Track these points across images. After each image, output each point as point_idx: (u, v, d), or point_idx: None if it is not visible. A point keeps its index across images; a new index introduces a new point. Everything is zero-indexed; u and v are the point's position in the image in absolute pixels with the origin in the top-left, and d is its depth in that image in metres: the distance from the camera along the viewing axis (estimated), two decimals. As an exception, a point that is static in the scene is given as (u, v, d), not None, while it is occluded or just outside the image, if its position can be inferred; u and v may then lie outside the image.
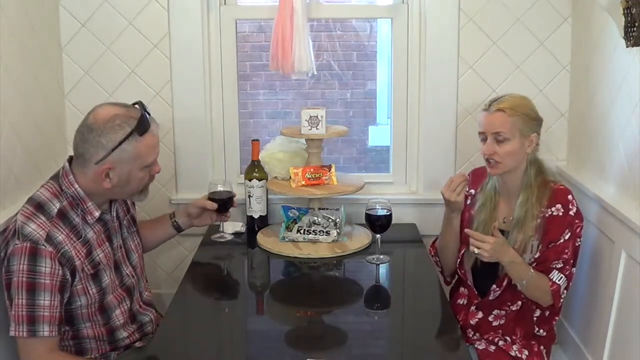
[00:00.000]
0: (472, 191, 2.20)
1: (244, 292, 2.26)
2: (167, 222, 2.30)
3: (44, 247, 1.71)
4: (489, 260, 1.95)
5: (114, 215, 1.96)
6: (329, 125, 2.41)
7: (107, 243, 1.91)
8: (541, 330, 2.09)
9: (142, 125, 1.80)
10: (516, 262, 1.96)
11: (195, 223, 2.32)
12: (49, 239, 1.73)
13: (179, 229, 2.31)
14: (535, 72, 2.57)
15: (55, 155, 2.43)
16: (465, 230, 2.04)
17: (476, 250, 1.94)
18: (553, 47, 2.55)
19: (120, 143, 1.77)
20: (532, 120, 2.03)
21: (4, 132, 2.01)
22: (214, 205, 2.26)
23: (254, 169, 2.49)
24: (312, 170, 2.38)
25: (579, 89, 2.51)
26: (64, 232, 1.77)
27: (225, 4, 2.62)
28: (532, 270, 1.97)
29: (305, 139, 2.42)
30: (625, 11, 1.91)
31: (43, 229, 1.74)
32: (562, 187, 2.06)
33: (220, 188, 2.33)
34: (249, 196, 2.50)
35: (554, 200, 2.01)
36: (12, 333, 1.71)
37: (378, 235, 2.22)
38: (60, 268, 1.74)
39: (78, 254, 1.79)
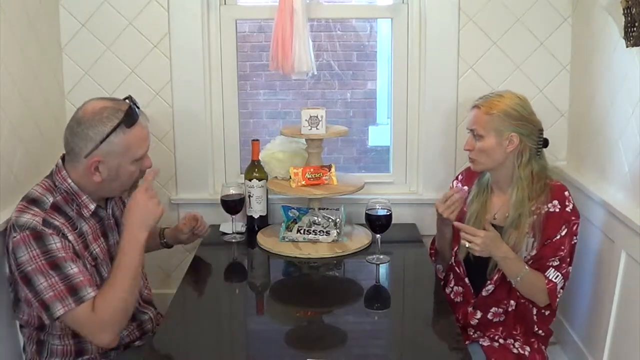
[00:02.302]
0: (466, 188, 2.21)
1: (244, 292, 2.26)
2: (157, 238, 2.30)
3: (44, 230, 1.71)
4: (480, 254, 1.96)
5: (110, 213, 1.95)
6: (329, 125, 2.41)
7: (102, 238, 1.91)
8: (540, 331, 2.09)
9: (130, 117, 1.80)
10: (509, 257, 1.96)
11: (185, 242, 2.36)
12: (46, 223, 1.73)
13: (167, 246, 2.34)
14: (535, 72, 2.57)
15: (55, 155, 2.41)
16: (455, 223, 2.05)
17: (467, 244, 1.95)
18: (553, 47, 2.55)
19: (108, 135, 1.77)
20: (512, 120, 2.00)
21: (4, 132, 2.01)
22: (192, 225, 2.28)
23: (254, 169, 2.50)
24: (312, 170, 2.38)
25: (579, 89, 2.51)
26: (59, 221, 1.76)
27: (225, 4, 2.62)
28: (526, 267, 1.97)
29: (305, 139, 2.42)
30: (625, 11, 1.91)
31: (38, 216, 1.73)
32: (558, 183, 2.06)
33: (232, 191, 2.42)
34: (249, 196, 2.50)
35: (550, 197, 2.02)
36: (60, 312, 1.69)
37: (378, 235, 2.22)
38: (67, 241, 1.74)
39: (76, 241, 1.79)
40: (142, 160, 1.88)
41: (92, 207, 1.86)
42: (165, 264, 2.75)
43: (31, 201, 1.78)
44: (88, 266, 1.81)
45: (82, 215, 1.84)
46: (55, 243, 1.71)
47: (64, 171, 1.83)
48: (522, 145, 2.02)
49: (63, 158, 1.87)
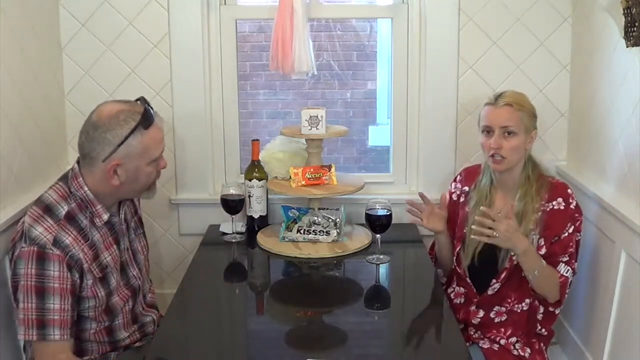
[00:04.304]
0: (466, 188, 2.21)
1: (244, 292, 2.26)
2: None
3: (51, 252, 1.70)
4: (503, 244, 1.94)
5: (122, 217, 1.95)
6: (329, 125, 2.41)
7: (114, 246, 1.90)
8: (543, 330, 2.10)
9: (147, 119, 1.80)
10: (530, 251, 1.96)
11: None
12: (56, 242, 1.71)
13: None
14: (535, 72, 2.57)
15: (55, 155, 2.44)
16: (482, 208, 1.99)
17: (495, 233, 1.91)
18: (553, 47, 2.55)
19: (126, 138, 1.77)
20: (533, 117, 2.07)
21: (4, 132, 2.00)
22: None
23: (254, 169, 2.50)
24: (312, 170, 2.38)
25: (579, 89, 2.51)
26: (71, 234, 1.75)
27: (225, 4, 2.62)
28: (543, 261, 1.98)
29: (305, 139, 2.42)
30: (625, 11, 1.91)
31: (50, 233, 1.72)
32: (560, 181, 2.10)
33: (232, 191, 2.43)
34: (249, 196, 2.50)
35: (554, 194, 2.04)
36: (20, 337, 1.70)
37: (378, 235, 2.22)
38: (68, 272, 1.72)
39: (86, 257, 1.78)
40: (158, 160, 1.89)
41: (105, 217, 1.85)
42: (166, 264, 2.75)
43: (45, 208, 1.77)
44: (91, 281, 1.79)
45: (94, 224, 1.83)
46: (53, 271, 1.70)
47: (81, 178, 1.81)
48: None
49: (78, 161, 1.85)
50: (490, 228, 1.92)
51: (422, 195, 2.22)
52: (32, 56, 2.25)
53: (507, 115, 2.02)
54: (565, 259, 2.01)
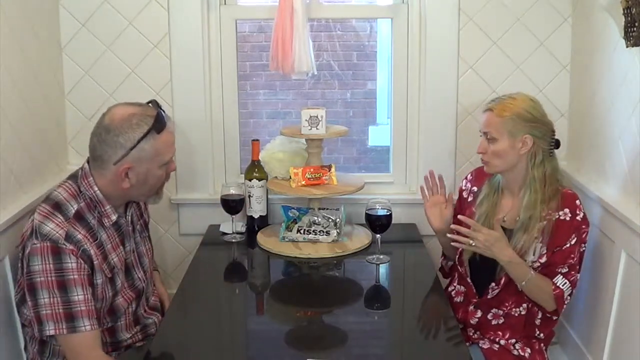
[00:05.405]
0: (475, 188, 2.21)
1: (244, 292, 2.27)
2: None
3: (64, 246, 1.70)
4: (483, 253, 1.96)
5: (129, 219, 1.95)
6: (329, 125, 2.41)
7: (121, 247, 1.90)
8: (542, 334, 2.09)
9: (160, 123, 1.80)
10: (514, 262, 1.96)
11: None
12: (69, 237, 1.72)
13: None
14: (535, 72, 2.57)
15: (55, 155, 2.43)
16: (459, 217, 2.03)
17: (471, 242, 1.94)
18: (553, 47, 2.55)
19: (138, 142, 1.77)
20: (525, 122, 1.99)
21: (4, 132, 2.00)
22: None
23: (254, 169, 2.50)
24: (312, 170, 2.38)
25: (579, 89, 2.51)
26: (81, 232, 1.76)
27: (225, 4, 2.62)
28: (532, 272, 1.96)
29: (305, 139, 2.42)
30: (625, 11, 1.91)
31: (62, 228, 1.72)
32: (569, 191, 2.06)
33: (232, 191, 2.44)
34: (249, 196, 2.50)
35: (562, 204, 2.01)
36: (51, 332, 1.69)
37: (378, 235, 2.22)
38: (83, 263, 1.73)
39: (96, 255, 1.78)
40: (169, 163, 1.89)
41: (114, 217, 1.85)
42: (165, 264, 2.75)
43: (55, 206, 1.77)
44: (101, 280, 1.79)
45: (102, 224, 1.83)
46: (71, 263, 1.70)
47: (91, 177, 1.82)
48: (535, 146, 2.01)
49: (89, 161, 1.85)
50: (467, 237, 1.95)
51: (440, 178, 2.25)
52: (32, 56, 2.25)
53: (487, 121, 2.03)
54: (564, 270, 1.98)
